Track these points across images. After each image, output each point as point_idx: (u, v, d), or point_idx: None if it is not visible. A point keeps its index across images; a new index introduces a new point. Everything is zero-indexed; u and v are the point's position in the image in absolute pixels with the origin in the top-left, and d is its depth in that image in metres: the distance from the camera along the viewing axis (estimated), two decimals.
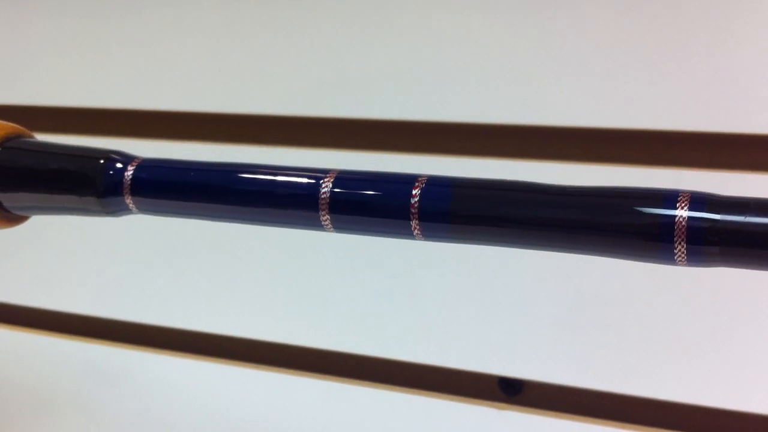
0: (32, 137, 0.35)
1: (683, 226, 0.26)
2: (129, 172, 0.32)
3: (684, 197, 0.26)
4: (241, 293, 0.66)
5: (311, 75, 0.61)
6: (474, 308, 0.58)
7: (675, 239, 0.26)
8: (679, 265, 0.27)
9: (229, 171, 0.31)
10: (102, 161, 0.32)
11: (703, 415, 0.54)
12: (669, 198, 0.27)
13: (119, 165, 0.32)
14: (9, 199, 0.34)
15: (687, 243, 0.26)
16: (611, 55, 0.53)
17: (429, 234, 0.29)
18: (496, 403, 0.59)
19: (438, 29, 0.57)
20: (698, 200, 0.26)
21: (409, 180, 0.29)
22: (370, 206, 0.29)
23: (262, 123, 0.64)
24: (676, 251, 0.26)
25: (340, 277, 0.62)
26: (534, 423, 0.58)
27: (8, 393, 0.77)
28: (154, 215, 0.33)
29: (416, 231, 0.29)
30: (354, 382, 0.63)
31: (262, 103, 0.63)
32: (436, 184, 0.29)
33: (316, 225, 0.30)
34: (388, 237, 0.30)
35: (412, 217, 0.29)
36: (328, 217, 0.30)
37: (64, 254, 0.73)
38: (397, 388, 0.62)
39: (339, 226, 0.30)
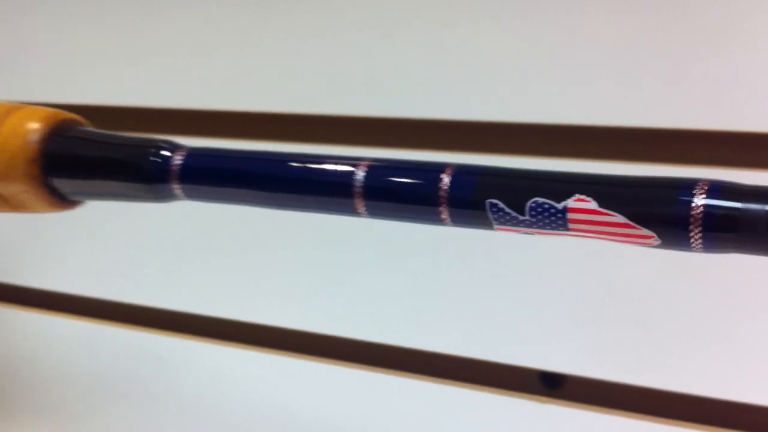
0: (87, 125, 0.37)
1: (700, 213, 0.27)
2: (177, 160, 0.34)
3: (702, 185, 0.27)
4: (287, 287, 0.68)
5: (336, 76, 0.63)
6: (516, 304, 0.59)
7: (691, 226, 0.27)
8: (695, 251, 0.28)
9: (271, 159, 0.33)
10: (151, 149, 0.34)
11: (740, 410, 0.54)
12: (686, 186, 0.27)
13: (167, 153, 0.34)
14: (65, 185, 0.36)
15: (703, 230, 0.27)
16: (623, 54, 0.53)
17: (457, 220, 0.31)
18: (537, 397, 0.59)
19: (453, 29, 0.58)
20: (716, 188, 0.27)
21: (439, 168, 0.31)
22: (401, 193, 0.31)
23: (290, 121, 0.66)
24: (691, 238, 0.27)
25: (382, 272, 0.64)
26: (574, 417, 0.58)
27: (71, 380, 0.80)
28: (200, 201, 0.35)
29: (444, 218, 0.30)
30: (400, 374, 0.64)
31: (290, 102, 0.65)
32: (463, 173, 0.30)
33: (352, 211, 0.32)
34: (418, 222, 0.32)
35: (440, 203, 0.30)
36: (363, 203, 0.31)
37: (128, 248, 0.75)
38: (441, 380, 0.63)
39: (374, 213, 0.32)
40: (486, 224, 0.30)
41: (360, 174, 0.31)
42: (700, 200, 0.27)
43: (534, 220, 0.29)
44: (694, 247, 0.27)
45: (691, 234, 0.27)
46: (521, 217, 0.29)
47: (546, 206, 0.29)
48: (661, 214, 0.27)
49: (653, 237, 0.28)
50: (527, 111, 0.57)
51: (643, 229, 0.28)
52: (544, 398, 0.59)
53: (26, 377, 0.83)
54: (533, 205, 0.29)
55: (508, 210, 0.29)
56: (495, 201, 0.29)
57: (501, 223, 0.30)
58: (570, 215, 0.29)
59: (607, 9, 0.53)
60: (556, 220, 0.29)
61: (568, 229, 0.29)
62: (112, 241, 0.76)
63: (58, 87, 0.75)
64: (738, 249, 0.27)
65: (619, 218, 0.28)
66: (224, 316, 0.72)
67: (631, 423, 0.57)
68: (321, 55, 0.63)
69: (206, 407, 0.73)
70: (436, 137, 0.60)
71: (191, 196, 0.34)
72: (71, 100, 0.72)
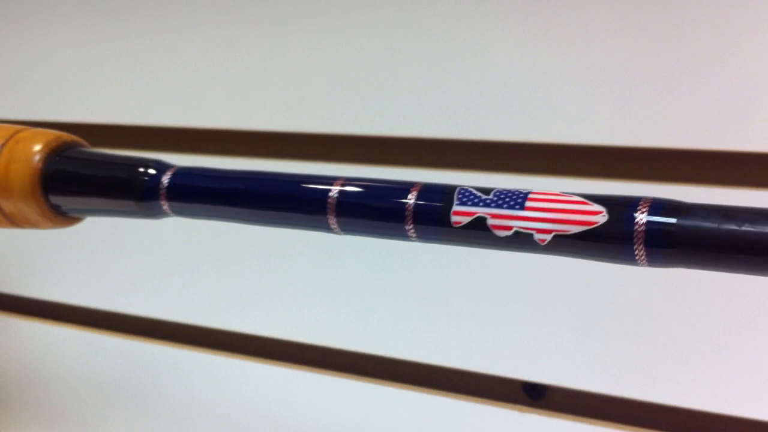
0: (86, 146, 0.40)
1: (642, 230, 0.29)
2: (165, 179, 0.36)
3: (645, 203, 0.29)
4: (286, 299, 0.69)
5: (326, 94, 0.65)
6: (500, 315, 0.60)
7: (634, 242, 0.29)
8: (641, 266, 0.30)
9: (249, 178, 0.35)
10: (141, 169, 0.37)
11: (722, 422, 0.55)
12: (631, 204, 0.29)
13: (156, 172, 0.36)
14: (64, 202, 0.38)
15: (646, 245, 0.29)
16: (612, 75, 0.55)
17: (422, 236, 0.33)
18: (520, 407, 0.60)
19: (451, 48, 0.59)
20: (657, 206, 0.29)
21: (406, 187, 0.33)
22: (369, 210, 0.33)
23: (289, 139, 0.67)
24: (636, 253, 0.29)
25: (372, 284, 0.65)
26: (556, 427, 0.59)
27: (74, 389, 0.82)
28: (187, 217, 0.37)
29: (411, 234, 0.33)
30: (386, 384, 0.65)
31: (286, 120, 0.67)
32: (429, 191, 0.33)
33: (326, 227, 0.34)
34: (387, 238, 0.34)
35: (406, 221, 0.32)
36: (335, 220, 0.34)
37: (130, 260, 0.77)
38: (425, 389, 0.64)
39: (345, 229, 0.34)
40: (450, 239, 0.32)
41: (334, 192, 0.34)
42: (642, 217, 0.29)
43: (497, 197, 0.31)
44: (639, 261, 0.29)
45: (635, 249, 0.29)
46: (485, 197, 0.31)
47: (510, 190, 0.31)
48: (610, 231, 0.29)
49: (602, 212, 0.29)
50: (516, 129, 0.58)
51: (594, 204, 0.30)
52: (526, 408, 0.60)
53: (29, 386, 0.84)
54: (498, 190, 0.31)
55: (475, 191, 0.31)
56: (464, 186, 0.32)
57: (462, 204, 0.31)
58: (531, 195, 0.30)
59: (597, 29, 0.55)
60: (517, 198, 0.31)
61: (524, 208, 0.31)
62: (115, 253, 0.78)
63: (63, 106, 0.77)
64: (681, 263, 0.29)
65: (575, 197, 0.30)
66: (225, 327, 0.73)
67: None
68: (313, 75, 0.65)
69: (206, 417, 0.75)
70: (426, 155, 0.62)
71: (178, 212, 0.37)
72: (72, 118, 0.75)
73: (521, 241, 0.30)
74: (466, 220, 0.31)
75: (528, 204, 0.30)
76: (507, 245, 0.31)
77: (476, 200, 0.31)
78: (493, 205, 0.31)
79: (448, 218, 0.32)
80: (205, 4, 0.68)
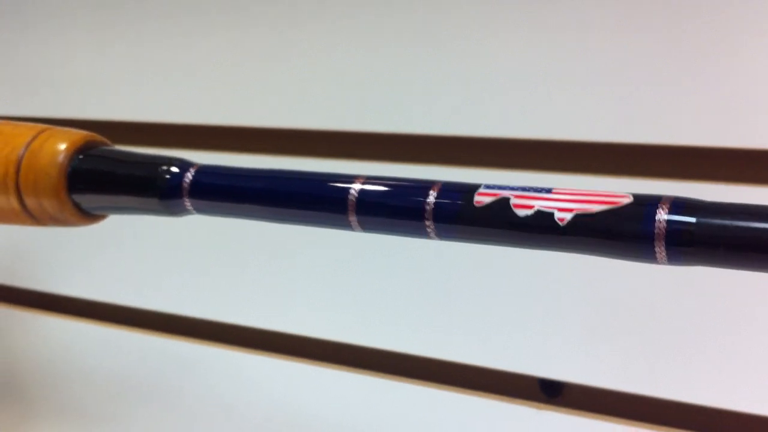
0: (109, 145, 0.40)
1: (663, 228, 0.29)
2: (188, 177, 0.37)
3: (666, 202, 0.29)
4: (307, 296, 0.70)
5: (345, 92, 0.65)
6: (517, 311, 0.60)
7: (655, 241, 0.29)
8: (660, 264, 0.30)
9: (271, 176, 0.36)
10: (164, 167, 0.37)
11: (740, 419, 0.55)
12: (652, 203, 0.30)
13: (179, 170, 0.37)
14: (87, 200, 0.38)
15: (666, 244, 0.29)
16: (618, 71, 0.55)
17: (442, 234, 0.33)
18: (536, 404, 0.60)
19: (452, 45, 0.60)
20: (678, 205, 0.29)
21: (426, 185, 0.33)
22: (390, 208, 0.33)
23: (307, 136, 0.68)
24: (656, 252, 0.29)
25: (389, 281, 0.65)
26: (573, 424, 0.59)
27: (95, 384, 0.82)
28: (209, 215, 0.37)
29: (431, 232, 0.33)
30: (401, 380, 0.65)
31: (305, 118, 0.67)
32: (449, 190, 0.33)
33: (345, 225, 0.35)
34: (407, 236, 0.34)
35: (426, 219, 0.33)
36: (356, 218, 0.34)
37: (152, 257, 0.78)
38: (441, 386, 0.64)
39: (366, 227, 0.34)
40: (469, 237, 0.33)
41: (354, 190, 0.34)
42: (663, 216, 0.29)
43: (521, 186, 0.32)
44: (659, 260, 0.29)
45: (656, 248, 0.29)
46: (511, 185, 0.32)
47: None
48: (629, 230, 0.30)
49: (628, 196, 0.30)
50: (531, 127, 0.58)
51: (616, 196, 0.30)
52: (542, 405, 0.60)
53: (50, 382, 0.85)
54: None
55: (499, 184, 0.32)
56: (487, 183, 0.32)
57: (488, 188, 0.32)
58: (557, 189, 0.31)
59: (610, 24, 0.55)
60: (542, 189, 0.31)
61: (551, 192, 0.31)
62: (135, 249, 0.78)
63: (82, 104, 0.78)
64: (701, 262, 0.29)
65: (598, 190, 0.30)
66: (245, 323, 0.74)
67: (629, 431, 0.58)
68: (328, 73, 0.65)
69: (226, 412, 0.75)
70: (443, 152, 0.62)
71: (201, 210, 0.37)
72: (92, 116, 0.76)
73: (541, 223, 0.30)
74: (488, 200, 0.32)
75: (554, 190, 0.31)
76: (525, 229, 0.31)
77: (503, 186, 0.32)
78: (518, 189, 0.31)
79: (471, 202, 0.32)
80: (224, 1, 0.69)
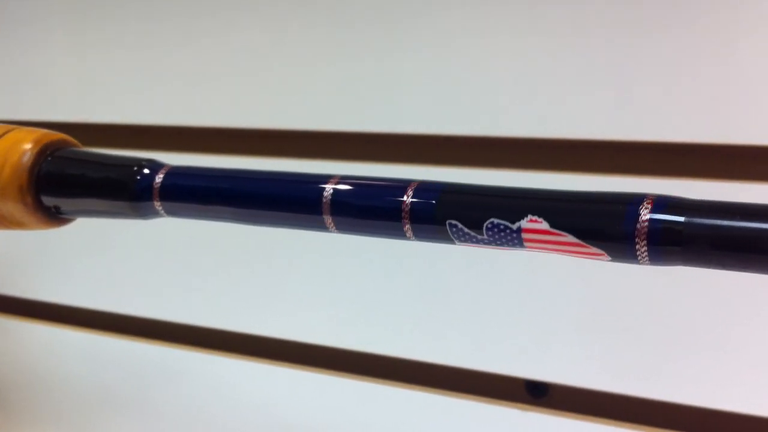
0: (79, 146, 0.39)
1: (645, 227, 0.28)
2: (158, 179, 0.36)
3: (648, 200, 0.28)
4: (287, 299, 0.69)
5: (326, 92, 0.64)
6: (502, 313, 0.60)
7: (636, 240, 0.28)
8: (643, 264, 0.29)
9: (244, 177, 0.35)
10: (134, 168, 0.36)
11: (725, 419, 0.55)
12: (635, 201, 0.29)
13: (149, 172, 0.36)
14: (55, 202, 0.37)
15: (648, 243, 0.28)
16: (612, 68, 0.54)
17: (419, 235, 0.32)
18: (523, 405, 0.60)
19: (449, 44, 0.59)
20: (661, 203, 0.28)
21: (403, 184, 0.32)
22: (367, 208, 0.32)
23: (288, 137, 0.67)
24: (638, 251, 0.28)
25: (373, 283, 0.65)
26: (559, 425, 0.59)
27: (76, 391, 0.81)
28: (181, 218, 0.36)
29: (407, 232, 0.32)
30: (388, 383, 0.65)
31: (284, 118, 0.66)
32: (426, 189, 0.32)
33: (321, 227, 0.34)
34: (384, 237, 0.33)
35: (403, 219, 0.32)
36: (331, 219, 0.33)
37: (132, 261, 0.77)
38: (427, 388, 0.63)
39: (342, 228, 0.33)
40: (448, 239, 0.32)
41: (329, 191, 0.33)
42: (645, 215, 0.28)
43: (492, 239, 0.30)
44: (641, 260, 0.29)
45: (638, 247, 0.28)
46: (479, 237, 0.30)
47: (502, 227, 0.30)
48: (609, 229, 0.29)
49: (604, 254, 0.29)
50: (516, 125, 0.58)
51: (592, 247, 0.29)
52: (529, 406, 0.60)
53: (30, 388, 0.84)
54: (489, 225, 0.30)
55: (467, 230, 0.31)
56: (454, 222, 0.31)
57: (462, 241, 0.31)
58: (525, 235, 0.30)
59: (598, 22, 0.54)
60: (512, 239, 0.30)
61: (524, 247, 0.30)
62: (115, 254, 0.77)
63: (57, 105, 0.77)
64: (684, 262, 0.28)
65: (570, 238, 0.29)
66: (227, 328, 0.73)
67: (615, 431, 0.57)
68: (309, 72, 0.65)
69: (209, 418, 0.74)
70: (423, 152, 0.62)
71: (171, 213, 0.36)
72: (67, 118, 0.75)
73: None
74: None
75: (527, 244, 0.30)
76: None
77: (473, 239, 0.31)
78: (493, 244, 0.31)
79: (444, 222, 0.31)
80: (203, 4, 0.68)
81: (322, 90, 0.64)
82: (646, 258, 0.28)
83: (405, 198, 0.32)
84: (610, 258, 0.29)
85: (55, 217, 0.38)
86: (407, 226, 0.32)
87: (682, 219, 0.27)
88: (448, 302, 0.62)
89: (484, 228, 0.30)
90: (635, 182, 0.54)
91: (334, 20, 0.62)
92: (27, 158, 0.37)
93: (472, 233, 0.31)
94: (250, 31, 0.66)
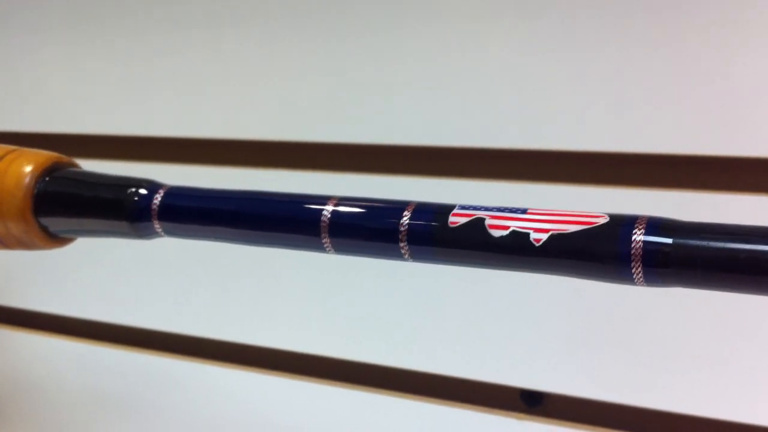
0: (77, 166, 0.40)
1: (639, 249, 0.28)
2: (157, 199, 0.36)
3: (641, 222, 0.29)
4: (283, 309, 0.69)
5: (328, 103, 0.64)
6: (497, 323, 0.60)
7: (632, 262, 0.29)
8: (639, 285, 0.29)
9: (242, 198, 0.35)
10: (133, 189, 0.36)
11: (718, 428, 0.55)
12: (628, 223, 0.29)
13: (148, 192, 0.36)
14: (54, 223, 0.38)
15: (643, 265, 0.29)
16: (618, 81, 0.54)
17: (416, 256, 0.33)
18: (518, 414, 0.60)
19: (444, 55, 0.59)
20: (653, 225, 0.28)
21: (400, 206, 0.33)
22: (364, 230, 0.33)
23: (283, 148, 0.67)
24: (633, 273, 0.29)
25: (368, 293, 0.65)
26: None
27: (71, 401, 0.81)
28: (179, 238, 0.37)
29: (405, 253, 0.32)
30: (384, 393, 0.65)
31: (282, 130, 0.66)
32: (423, 211, 0.32)
33: (319, 247, 0.34)
34: (381, 258, 0.33)
35: (400, 241, 0.32)
36: (329, 240, 0.33)
37: (128, 271, 0.77)
38: (423, 398, 0.64)
39: (339, 249, 0.34)
40: (444, 255, 0.32)
41: (327, 212, 0.33)
42: (639, 236, 0.28)
43: (496, 206, 0.31)
44: (637, 281, 0.29)
45: (633, 269, 0.29)
46: (485, 205, 0.31)
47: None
48: (604, 250, 0.29)
49: (603, 216, 0.29)
50: (512, 136, 0.58)
51: (593, 216, 0.29)
52: (524, 415, 0.60)
53: (24, 398, 0.84)
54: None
55: (474, 204, 0.31)
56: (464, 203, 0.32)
57: (462, 208, 0.32)
58: (531, 210, 0.31)
59: (593, 33, 0.55)
60: (517, 209, 0.31)
61: (525, 213, 0.31)
62: (110, 264, 0.77)
63: (55, 117, 0.76)
64: (679, 283, 0.29)
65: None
66: (222, 337, 0.73)
67: None
68: (306, 84, 0.65)
69: (204, 428, 0.74)
70: (422, 163, 0.62)
71: (170, 233, 0.36)
72: (65, 129, 0.75)
73: (516, 243, 0.30)
74: (463, 220, 0.31)
75: (530, 210, 0.30)
76: (501, 250, 0.31)
77: (477, 207, 0.31)
78: (494, 209, 0.31)
79: (446, 222, 0.31)
80: (195, 12, 0.68)
81: (316, 101, 0.64)
82: (642, 280, 0.29)
83: (402, 219, 0.32)
84: (606, 221, 0.29)
85: (56, 237, 0.39)
86: (405, 248, 0.32)
87: (673, 241, 0.28)
88: (444, 312, 0.62)
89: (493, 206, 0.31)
90: (629, 193, 0.54)
91: (328, 32, 0.63)
92: (28, 180, 0.37)
93: (479, 205, 0.31)
94: (244, 43, 0.66)
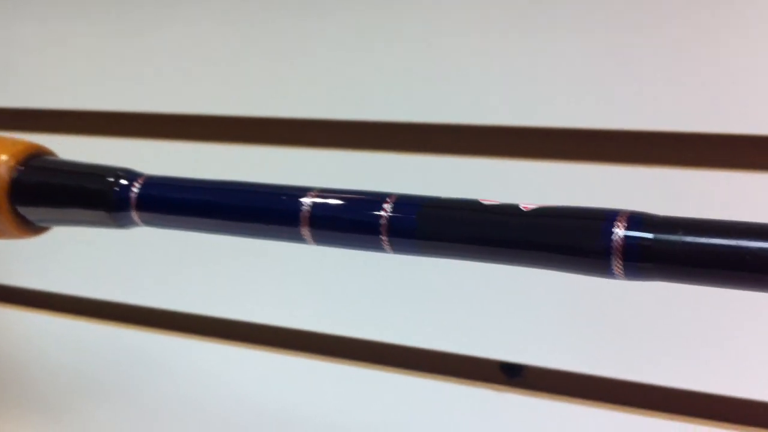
0: (53, 155, 0.39)
1: (620, 244, 0.28)
2: (135, 189, 0.36)
3: (622, 217, 0.29)
4: (268, 284, 0.69)
5: (315, 79, 0.63)
6: (477, 295, 0.60)
7: (613, 256, 0.29)
8: (620, 279, 0.30)
9: (222, 189, 0.35)
10: (111, 179, 0.36)
11: (699, 400, 0.56)
12: (608, 218, 0.29)
13: (126, 182, 0.36)
14: (31, 213, 0.37)
15: (624, 260, 0.29)
16: (610, 59, 0.54)
17: (398, 249, 0.32)
18: (497, 386, 0.61)
19: (439, 32, 0.58)
20: (635, 220, 0.29)
21: (380, 198, 0.33)
22: (344, 222, 0.33)
23: (268, 124, 0.66)
24: (614, 267, 0.29)
25: (350, 268, 0.65)
26: (533, 405, 0.60)
27: (57, 378, 0.81)
28: (158, 227, 0.36)
29: (386, 246, 0.32)
30: (364, 365, 0.65)
31: (269, 106, 0.66)
32: (404, 204, 0.32)
33: (299, 239, 0.34)
34: (362, 250, 0.33)
35: (381, 233, 0.32)
36: (309, 231, 0.33)
37: (115, 247, 0.76)
38: (403, 371, 0.64)
39: (320, 240, 0.34)
40: (428, 251, 0.32)
41: (307, 204, 0.33)
42: (620, 231, 0.28)
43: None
44: (618, 275, 0.29)
45: (614, 263, 0.29)
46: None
47: None
48: (586, 245, 0.29)
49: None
50: (505, 113, 0.57)
51: None
52: (503, 387, 0.60)
53: (9, 375, 0.84)
54: None
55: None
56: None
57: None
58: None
59: (588, 11, 0.54)
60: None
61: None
62: (95, 240, 0.76)
63: (52, 92, 0.75)
64: (661, 277, 0.29)
65: None
66: (209, 313, 0.73)
67: (588, 411, 0.58)
68: (311, 61, 0.64)
69: (193, 405, 0.75)
70: (410, 140, 0.61)
71: (149, 222, 0.36)
72: (50, 105, 0.73)
73: (504, 211, 0.30)
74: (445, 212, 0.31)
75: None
76: (483, 242, 0.31)
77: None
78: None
79: (428, 214, 0.31)
80: None
81: (297, 77, 0.63)
82: (622, 274, 0.29)
83: (383, 212, 0.32)
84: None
85: (33, 226, 0.38)
86: (385, 240, 0.32)
87: (654, 236, 0.28)
88: (423, 285, 0.62)
89: None
90: (621, 171, 0.54)
91: (309, 7, 0.62)
92: (4, 169, 0.37)
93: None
94: (223, 18, 0.65)
